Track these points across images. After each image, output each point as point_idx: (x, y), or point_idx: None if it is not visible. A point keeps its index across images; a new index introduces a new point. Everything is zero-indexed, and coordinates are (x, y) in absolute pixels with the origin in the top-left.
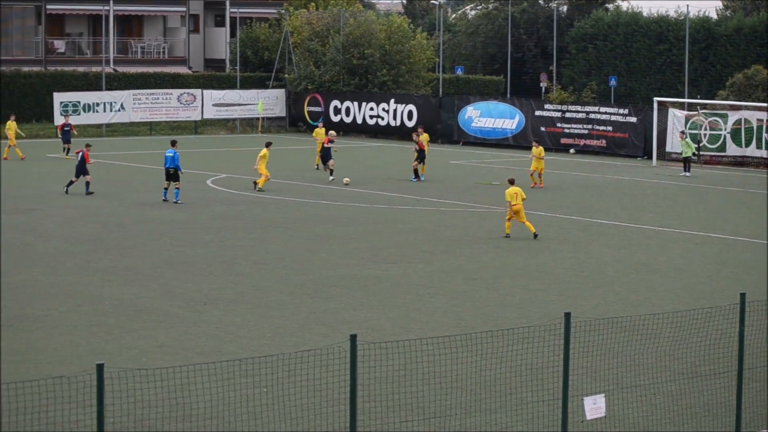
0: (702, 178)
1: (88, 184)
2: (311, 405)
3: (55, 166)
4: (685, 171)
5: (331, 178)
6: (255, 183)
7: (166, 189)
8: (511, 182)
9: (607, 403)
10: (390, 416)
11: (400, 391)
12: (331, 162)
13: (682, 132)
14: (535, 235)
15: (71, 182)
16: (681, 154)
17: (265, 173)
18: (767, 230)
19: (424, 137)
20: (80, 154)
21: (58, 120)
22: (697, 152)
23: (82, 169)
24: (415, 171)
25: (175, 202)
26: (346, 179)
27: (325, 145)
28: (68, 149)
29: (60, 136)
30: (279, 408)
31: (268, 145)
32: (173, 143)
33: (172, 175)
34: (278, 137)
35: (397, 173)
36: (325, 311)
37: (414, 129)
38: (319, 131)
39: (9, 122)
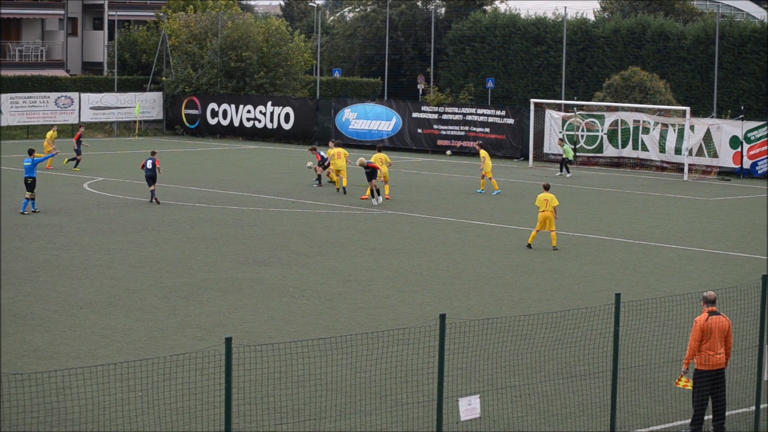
0: (579, 179)
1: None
2: (187, 408)
3: None
4: (562, 172)
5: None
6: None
7: (26, 199)
8: (546, 188)
9: (481, 404)
10: (265, 418)
11: (276, 393)
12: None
13: (561, 139)
14: (554, 248)
15: (152, 192)
16: (562, 155)
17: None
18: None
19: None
20: (151, 161)
21: None
22: (574, 153)
23: (153, 176)
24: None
25: (22, 211)
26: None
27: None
28: (78, 161)
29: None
30: (154, 411)
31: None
32: (30, 152)
33: (30, 184)
34: (155, 140)
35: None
36: (200, 314)
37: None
38: (332, 151)
39: (50, 132)
